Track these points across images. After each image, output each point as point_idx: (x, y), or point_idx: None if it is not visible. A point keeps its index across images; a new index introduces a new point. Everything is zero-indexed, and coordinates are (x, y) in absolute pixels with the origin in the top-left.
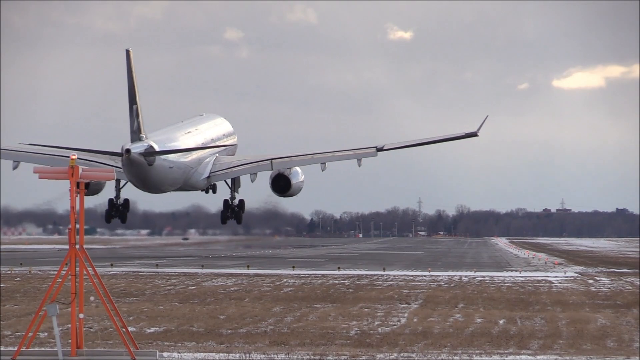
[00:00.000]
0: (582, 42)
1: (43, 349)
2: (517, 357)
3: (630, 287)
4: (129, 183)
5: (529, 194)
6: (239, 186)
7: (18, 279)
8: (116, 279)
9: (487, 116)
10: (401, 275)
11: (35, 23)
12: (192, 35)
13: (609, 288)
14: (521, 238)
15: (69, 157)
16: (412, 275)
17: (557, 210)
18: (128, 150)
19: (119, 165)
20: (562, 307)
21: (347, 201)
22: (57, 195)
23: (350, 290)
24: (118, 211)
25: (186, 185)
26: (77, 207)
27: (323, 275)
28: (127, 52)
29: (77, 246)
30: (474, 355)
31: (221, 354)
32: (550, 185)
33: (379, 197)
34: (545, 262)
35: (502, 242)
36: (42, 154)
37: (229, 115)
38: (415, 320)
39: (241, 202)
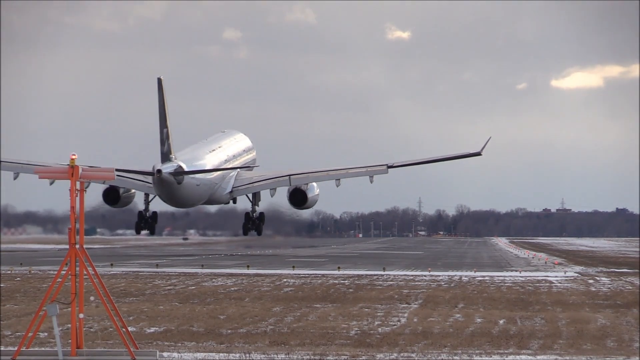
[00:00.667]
0: (581, 42)
1: (43, 349)
2: (517, 357)
3: (630, 287)
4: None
5: (529, 194)
6: (259, 200)
7: (18, 279)
8: (116, 279)
9: (490, 137)
10: (401, 275)
11: (33, 23)
12: (190, 35)
13: (609, 288)
14: (521, 238)
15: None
16: (412, 275)
17: (557, 210)
18: (159, 171)
19: (150, 181)
20: (562, 307)
21: (347, 201)
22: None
23: (350, 290)
24: (147, 223)
25: (211, 200)
26: (77, 207)
27: (323, 275)
28: (159, 80)
29: (77, 246)
30: (474, 355)
31: (221, 354)
32: (550, 185)
33: (379, 197)
34: (545, 262)
35: (502, 242)
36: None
37: (228, 115)
38: (415, 320)
39: (261, 214)
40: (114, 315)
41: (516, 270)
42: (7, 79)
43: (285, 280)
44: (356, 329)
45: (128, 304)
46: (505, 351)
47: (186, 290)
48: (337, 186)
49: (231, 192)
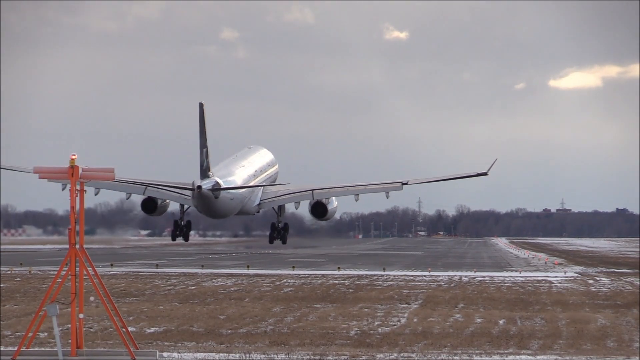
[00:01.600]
0: (579, 42)
1: (43, 349)
2: (517, 357)
3: (630, 287)
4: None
5: (529, 194)
6: (284, 212)
7: (18, 279)
8: (116, 279)
9: (496, 159)
10: (401, 275)
11: (31, 22)
12: (188, 35)
13: (609, 288)
14: (521, 238)
15: (144, 185)
16: (412, 275)
17: (557, 210)
18: (199, 187)
19: (185, 193)
20: (562, 307)
21: (347, 201)
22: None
23: (350, 290)
24: (182, 231)
25: (241, 212)
26: (77, 207)
27: (323, 275)
28: (201, 105)
29: (77, 246)
30: (474, 355)
31: (221, 354)
32: (550, 185)
33: (379, 197)
34: (545, 262)
35: (502, 242)
36: (118, 181)
37: (226, 115)
38: (415, 320)
39: (286, 225)
40: (114, 315)
41: (516, 271)
42: (6, 79)
43: (285, 280)
44: (356, 329)
45: (128, 304)
46: (505, 351)
47: (186, 290)
48: (356, 201)
49: (259, 204)
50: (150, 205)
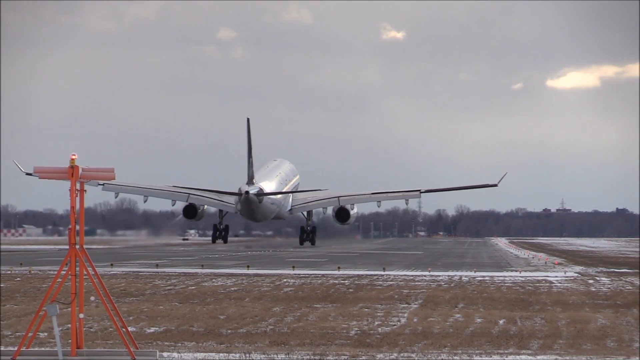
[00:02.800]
0: (576, 42)
1: (43, 349)
2: (517, 357)
3: (630, 287)
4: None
5: (529, 194)
6: (312, 216)
7: (18, 279)
8: (116, 279)
9: (506, 173)
10: (401, 275)
11: (29, 22)
12: (186, 35)
13: (609, 288)
14: (521, 238)
15: (186, 193)
16: (412, 275)
17: (557, 210)
18: (247, 192)
19: (231, 201)
20: (562, 307)
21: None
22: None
23: (350, 290)
24: (221, 234)
25: (276, 216)
26: (77, 206)
27: (323, 275)
28: (248, 120)
29: (77, 246)
30: (474, 355)
31: (221, 354)
32: (550, 185)
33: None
34: (545, 262)
35: (502, 242)
36: (163, 189)
37: (224, 115)
38: (415, 320)
39: (314, 228)
40: (114, 315)
41: (516, 271)
42: (6, 79)
43: (285, 280)
44: (356, 329)
45: (128, 304)
46: (505, 351)
47: (186, 290)
48: (379, 206)
49: (290, 209)
50: (191, 211)
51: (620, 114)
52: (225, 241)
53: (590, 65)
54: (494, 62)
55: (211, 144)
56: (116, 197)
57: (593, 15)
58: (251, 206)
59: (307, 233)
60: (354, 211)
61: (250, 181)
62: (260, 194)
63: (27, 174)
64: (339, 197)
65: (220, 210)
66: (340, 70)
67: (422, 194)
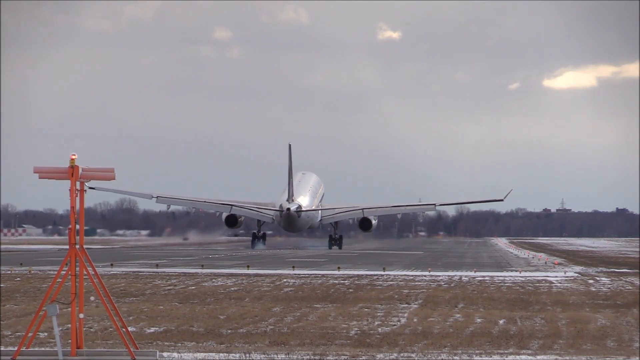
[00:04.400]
0: (573, 42)
1: (43, 349)
2: (517, 357)
3: (630, 287)
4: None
5: (529, 194)
6: (339, 226)
7: (18, 279)
8: (116, 279)
9: (511, 189)
10: (401, 275)
11: (26, 23)
12: (183, 35)
13: (609, 288)
14: (521, 238)
15: (230, 205)
16: (412, 275)
17: (557, 210)
18: (289, 209)
19: (269, 213)
20: (562, 307)
21: (346, 201)
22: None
23: (350, 290)
24: (259, 240)
25: (310, 226)
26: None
27: (323, 275)
28: (289, 145)
29: (77, 246)
30: (474, 355)
31: (221, 354)
32: (550, 185)
33: (379, 197)
34: (545, 262)
35: (502, 242)
36: (208, 202)
37: (221, 115)
38: (415, 320)
39: (340, 236)
40: (114, 315)
41: (516, 271)
42: (6, 79)
43: (285, 280)
44: (356, 329)
45: (128, 304)
46: (505, 351)
47: (186, 290)
48: (399, 217)
49: (320, 220)
50: (232, 220)
51: (618, 114)
52: (264, 244)
53: (587, 65)
54: (490, 62)
55: (208, 144)
56: (168, 209)
57: (590, 15)
58: (290, 220)
59: (335, 240)
60: (375, 221)
61: (290, 198)
62: (299, 210)
63: (91, 188)
64: (363, 209)
65: (259, 220)
66: (337, 70)
67: (436, 207)
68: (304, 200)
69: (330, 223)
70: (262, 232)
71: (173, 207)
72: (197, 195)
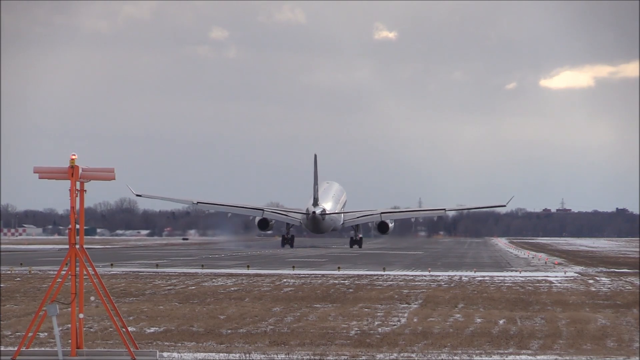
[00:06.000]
0: (570, 42)
1: (43, 349)
2: (517, 357)
3: (630, 287)
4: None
5: (528, 194)
6: (360, 228)
7: (18, 279)
8: (116, 279)
9: (512, 196)
10: (401, 275)
11: (22, 23)
12: (180, 35)
13: (609, 288)
14: (521, 238)
15: (262, 210)
16: (412, 275)
17: (557, 210)
18: (314, 212)
19: (297, 217)
20: (562, 307)
21: (349, 201)
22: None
23: (350, 290)
24: (287, 241)
25: (333, 229)
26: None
27: (323, 275)
28: (315, 156)
29: (77, 246)
30: (474, 355)
31: (221, 354)
32: (550, 185)
33: (379, 197)
34: (545, 262)
35: (502, 242)
36: (242, 207)
37: (219, 115)
38: (415, 320)
39: (361, 238)
40: (114, 315)
41: (516, 270)
42: (5, 79)
43: (285, 280)
44: (356, 329)
45: (128, 304)
46: (505, 351)
47: (186, 290)
48: (413, 221)
49: (343, 223)
50: (264, 224)
51: (615, 114)
52: (292, 246)
53: (584, 65)
54: (487, 62)
55: (205, 143)
56: (207, 212)
57: (586, 15)
58: (316, 223)
59: (356, 241)
60: (391, 225)
61: (316, 203)
62: (324, 213)
63: (137, 195)
64: (381, 213)
65: (287, 224)
66: (334, 70)
67: (446, 212)
68: (327, 205)
69: (352, 226)
70: (290, 235)
71: (173, 208)
72: (192, 196)
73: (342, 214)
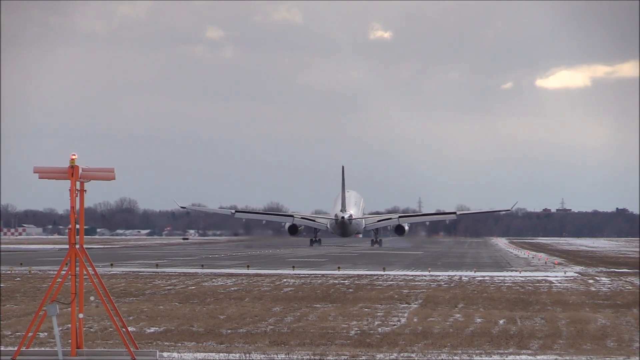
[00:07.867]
0: (566, 42)
1: (43, 349)
2: (517, 357)
3: (630, 287)
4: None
5: (528, 194)
6: (380, 231)
7: (18, 279)
8: (116, 279)
9: (516, 202)
10: (401, 275)
11: (19, 23)
12: (176, 35)
13: (609, 288)
14: (521, 238)
15: (291, 216)
16: (412, 275)
17: (557, 210)
18: (342, 217)
19: (323, 222)
20: (562, 307)
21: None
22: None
23: (350, 290)
24: (315, 242)
25: (357, 232)
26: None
27: (323, 275)
28: (342, 167)
29: (77, 246)
30: (474, 355)
31: (221, 354)
32: (550, 185)
33: (379, 197)
34: (545, 262)
35: (502, 242)
36: (274, 213)
37: (216, 115)
38: (415, 320)
39: (380, 239)
40: (114, 315)
41: (516, 270)
42: (5, 79)
43: (285, 280)
44: (356, 329)
45: (128, 304)
46: (505, 351)
47: (186, 290)
48: (427, 224)
49: (365, 227)
50: (293, 229)
51: (612, 114)
52: (320, 244)
53: (580, 65)
54: (483, 62)
55: (202, 143)
56: (244, 221)
57: (582, 15)
58: (343, 226)
59: (377, 242)
60: (407, 228)
61: (344, 209)
62: (351, 218)
63: (182, 207)
64: (398, 217)
65: (315, 228)
66: (331, 69)
67: (457, 216)
68: (352, 210)
69: (372, 229)
70: (318, 238)
71: (174, 208)
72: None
73: (364, 219)
